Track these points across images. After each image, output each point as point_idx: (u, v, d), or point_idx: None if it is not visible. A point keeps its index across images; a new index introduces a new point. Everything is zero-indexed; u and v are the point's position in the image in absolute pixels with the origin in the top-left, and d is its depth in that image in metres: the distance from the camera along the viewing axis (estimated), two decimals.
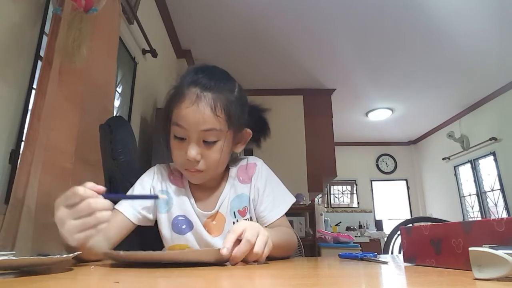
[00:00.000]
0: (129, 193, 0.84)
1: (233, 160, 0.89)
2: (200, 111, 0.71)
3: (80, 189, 0.52)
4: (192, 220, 0.81)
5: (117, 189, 1.01)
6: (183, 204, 0.82)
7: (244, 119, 0.81)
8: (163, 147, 0.82)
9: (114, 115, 1.88)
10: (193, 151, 0.73)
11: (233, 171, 0.88)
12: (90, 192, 0.52)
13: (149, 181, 0.85)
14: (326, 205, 6.10)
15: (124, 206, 0.78)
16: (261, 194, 0.86)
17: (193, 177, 0.79)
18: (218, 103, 0.73)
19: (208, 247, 0.78)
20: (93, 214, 0.51)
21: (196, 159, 0.74)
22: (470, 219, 3.90)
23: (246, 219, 0.84)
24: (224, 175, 0.87)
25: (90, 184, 0.54)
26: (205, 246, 0.79)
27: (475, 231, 0.45)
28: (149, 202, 0.81)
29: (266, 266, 0.59)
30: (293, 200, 0.90)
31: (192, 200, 0.83)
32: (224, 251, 0.54)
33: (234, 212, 0.83)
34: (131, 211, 0.78)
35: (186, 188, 0.84)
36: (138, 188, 0.84)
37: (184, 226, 0.81)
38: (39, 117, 1.17)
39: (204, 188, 0.84)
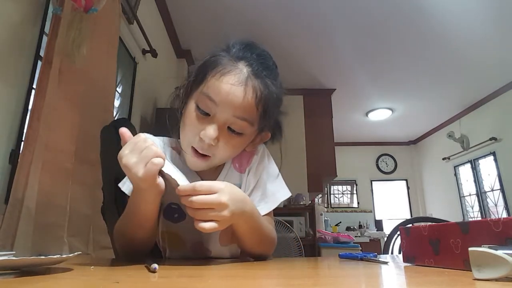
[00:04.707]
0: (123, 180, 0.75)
1: None
2: (243, 95, 0.63)
3: (142, 134, 0.56)
4: (185, 210, 0.73)
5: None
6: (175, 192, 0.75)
7: (272, 122, 0.73)
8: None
9: (114, 115, 1.88)
10: (212, 132, 0.63)
11: None
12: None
13: None
14: (326, 205, 6.10)
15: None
16: (251, 189, 0.78)
17: (195, 161, 0.68)
18: (263, 95, 0.65)
19: (199, 236, 0.74)
20: (149, 147, 0.54)
21: (211, 143, 0.64)
22: (470, 219, 3.90)
23: None
24: None
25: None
26: (197, 235, 0.74)
27: (472, 231, 0.45)
28: None
29: (266, 266, 0.59)
30: (286, 195, 0.80)
31: None
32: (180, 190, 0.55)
33: None
34: None
35: None
36: None
37: (176, 215, 0.76)
38: (39, 117, 1.17)
39: (199, 173, 0.76)
